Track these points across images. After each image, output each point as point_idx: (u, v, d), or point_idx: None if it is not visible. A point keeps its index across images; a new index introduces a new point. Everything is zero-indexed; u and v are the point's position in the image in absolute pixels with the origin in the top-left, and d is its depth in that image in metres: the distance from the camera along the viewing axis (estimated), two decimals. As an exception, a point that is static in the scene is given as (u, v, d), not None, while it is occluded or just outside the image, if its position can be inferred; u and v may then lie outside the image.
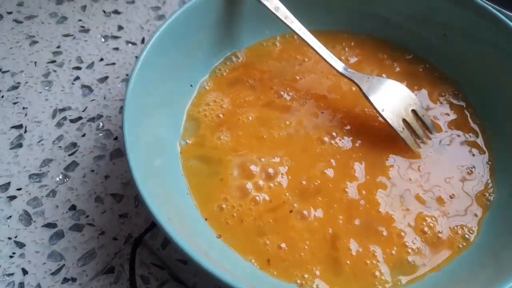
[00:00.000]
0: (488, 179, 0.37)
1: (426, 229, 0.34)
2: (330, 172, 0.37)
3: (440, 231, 0.34)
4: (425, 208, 0.35)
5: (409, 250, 0.33)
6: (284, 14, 0.40)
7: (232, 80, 0.42)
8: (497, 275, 0.29)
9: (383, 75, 0.43)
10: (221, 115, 0.40)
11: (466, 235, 0.34)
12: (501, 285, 0.27)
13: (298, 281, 0.32)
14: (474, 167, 0.38)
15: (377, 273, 0.32)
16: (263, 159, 0.37)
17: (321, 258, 0.33)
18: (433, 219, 0.35)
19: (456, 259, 0.33)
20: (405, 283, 0.32)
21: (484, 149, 0.39)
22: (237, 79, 0.42)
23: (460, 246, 0.34)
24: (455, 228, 0.34)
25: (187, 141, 0.38)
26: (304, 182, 0.36)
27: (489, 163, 0.38)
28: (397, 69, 0.43)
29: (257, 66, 0.43)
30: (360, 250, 0.33)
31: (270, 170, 0.36)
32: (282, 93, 0.41)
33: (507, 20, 0.38)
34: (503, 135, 0.38)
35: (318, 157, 0.37)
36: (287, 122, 0.39)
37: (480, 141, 0.39)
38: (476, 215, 0.35)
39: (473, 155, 0.38)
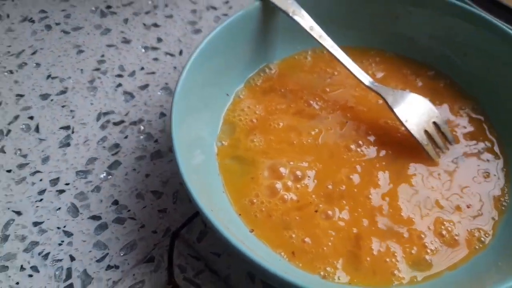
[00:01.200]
0: (504, 184, 0.39)
1: (444, 232, 0.37)
2: (355, 178, 0.39)
3: (457, 234, 0.37)
4: (443, 213, 0.38)
5: (428, 250, 0.36)
6: (318, 33, 0.43)
7: (265, 89, 0.45)
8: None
9: (407, 89, 0.45)
10: (254, 120, 0.43)
11: (482, 238, 0.36)
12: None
13: (322, 273, 0.34)
14: (489, 172, 0.40)
15: (395, 271, 0.35)
16: (292, 163, 0.40)
17: (343, 254, 0.35)
18: (451, 223, 0.37)
19: (472, 259, 0.35)
20: (421, 280, 0.34)
21: (500, 156, 0.41)
22: (270, 88, 0.45)
23: (476, 247, 0.36)
24: (472, 231, 0.37)
25: (223, 142, 0.41)
26: (330, 186, 0.39)
27: (504, 169, 0.40)
28: (420, 83, 0.46)
29: (289, 77, 0.47)
30: (381, 249, 0.36)
31: (298, 173, 0.39)
32: (311, 102, 0.44)
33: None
34: None
35: (344, 163, 0.40)
36: (316, 130, 0.42)
37: (496, 148, 0.42)
38: (492, 218, 0.37)
39: (489, 161, 0.41)
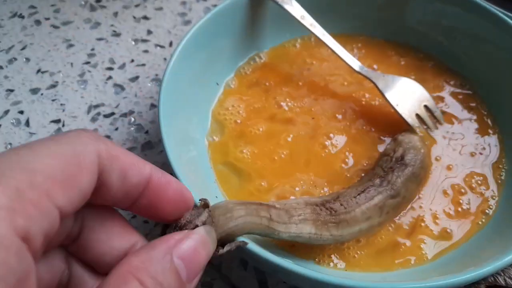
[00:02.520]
0: (498, 157, 0.40)
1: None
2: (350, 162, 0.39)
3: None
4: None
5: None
6: (309, 22, 0.43)
7: (251, 83, 0.45)
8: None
9: (387, 68, 0.46)
10: (238, 121, 0.42)
11: (486, 210, 0.37)
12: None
13: (316, 259, 0.34)
14: (484, 147, 0.41)
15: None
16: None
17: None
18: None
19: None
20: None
21: (492, 127, 0.42)
22: (256, 82, 0.45)
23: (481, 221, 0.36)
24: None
25: (214, 138, 0.41)
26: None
27: (498, 141, 0.41)
28: (402, 62, 0.47)
29: (273, 69, 0.46)
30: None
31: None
32: (282, 104, 0.44)
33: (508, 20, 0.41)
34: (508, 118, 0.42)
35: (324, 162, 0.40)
36: (290, 135, 0.41)
37: (488, 121, 0.42)
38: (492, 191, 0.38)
39: (481, 134, 0.41)
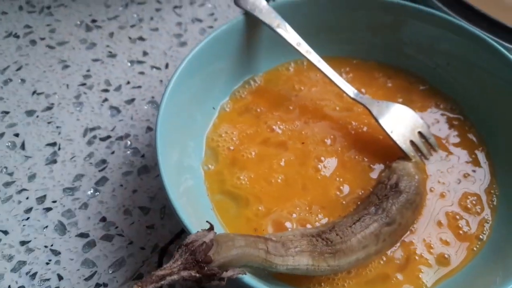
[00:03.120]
0: (489, 183, 0.40)
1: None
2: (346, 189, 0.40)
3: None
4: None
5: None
6: (305, 49, 0.43)
7: (241, 109, 0.45)
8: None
9: (374, 89, 0.47)
10: (231, 147, 0.42)
11: (480, 236, 0.37)
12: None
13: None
14: (475, 171, 0.41)
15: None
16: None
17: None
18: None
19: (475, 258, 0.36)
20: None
21: (482, 152, 0.42)
22: (245, 108, 0.45)
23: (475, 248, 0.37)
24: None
25: (210, 166, 0.41)
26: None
27: (488, 164, 0.42)
28: (389, 84, 0.47)
29: (265, 93, 0.47)
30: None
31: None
32: (274, 127, 0.44)
33: (503, 50, 0.42)
34: (498, 142, 0.42)
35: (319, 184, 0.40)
36: (283, 160, 0.42)
37: (478, 149, 0.43)
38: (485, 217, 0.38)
39: (473, 161, 0.42)
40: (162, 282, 0.25)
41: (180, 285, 0.38)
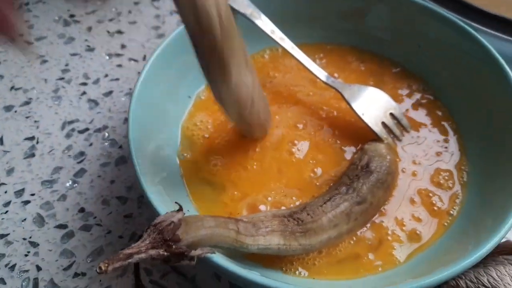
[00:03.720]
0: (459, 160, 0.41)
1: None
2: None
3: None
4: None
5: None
6: (279, 36, 0.44)
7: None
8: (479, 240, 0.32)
9: (347, 73, 0.47)
10: (206, 135, 0.43)
11: (451, 211, 0.38)
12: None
13: (283, 268, 0.35)
14: (447, 149, 0.42)
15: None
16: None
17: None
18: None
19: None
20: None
21: (452, 131, 0.43)
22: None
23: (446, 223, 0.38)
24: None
25: (185, 155, 0.42)
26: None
27: (458, 144, 0.42)
28: (362, 68, 0.48)
29: None
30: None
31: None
32: None
33: (471, 30, 0.42)
34: (467, 121, 0.43)
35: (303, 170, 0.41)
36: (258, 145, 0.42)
37: (447, 126, 0.44)
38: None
39: (444, 141, 0.43)
40: (130, 260, 0.25)
41: (153, 266, 0.38)
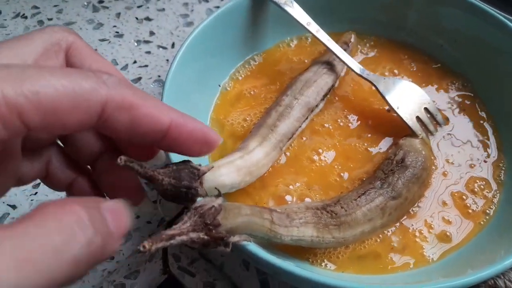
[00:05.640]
0: (497, 159, 0.40)
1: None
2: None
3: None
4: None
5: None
6: (315, 28, 0.43)
7: (246, 87, 0.45)
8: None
9: (397, 71, 0.47)
10: (234, 122, 0.43)
11: (487, 210, 0.37)
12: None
13: (310, 259, 0.34)
14: (484, 148, 0.41)
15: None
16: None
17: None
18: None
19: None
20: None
21: (491, 129, 0.42)
22: (239, 94, 0.45)
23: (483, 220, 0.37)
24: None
25: None
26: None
27: (497, 143, 0.42)
28: (414, 68, 0.47)
29: (261, 74, 0.47)
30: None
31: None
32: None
33: (509, 23, 0.41)
34: (506, 118, 0.42)
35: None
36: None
37: (487, 125, 0.43)
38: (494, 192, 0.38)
39: (481, 136, 0.42)
40: (172, 241, 0.25)
41: (192, 248, 0.38)
